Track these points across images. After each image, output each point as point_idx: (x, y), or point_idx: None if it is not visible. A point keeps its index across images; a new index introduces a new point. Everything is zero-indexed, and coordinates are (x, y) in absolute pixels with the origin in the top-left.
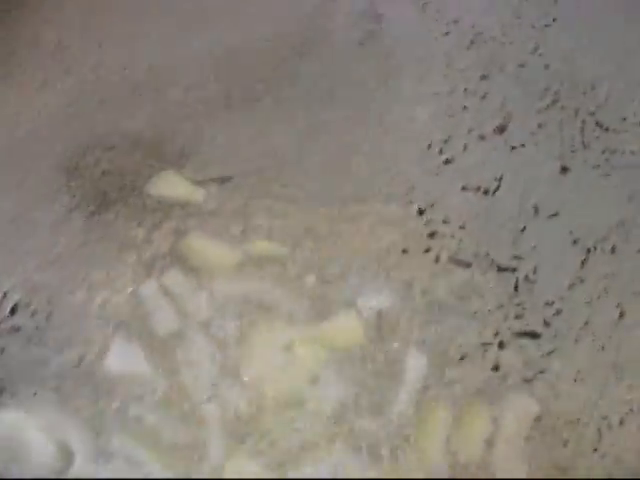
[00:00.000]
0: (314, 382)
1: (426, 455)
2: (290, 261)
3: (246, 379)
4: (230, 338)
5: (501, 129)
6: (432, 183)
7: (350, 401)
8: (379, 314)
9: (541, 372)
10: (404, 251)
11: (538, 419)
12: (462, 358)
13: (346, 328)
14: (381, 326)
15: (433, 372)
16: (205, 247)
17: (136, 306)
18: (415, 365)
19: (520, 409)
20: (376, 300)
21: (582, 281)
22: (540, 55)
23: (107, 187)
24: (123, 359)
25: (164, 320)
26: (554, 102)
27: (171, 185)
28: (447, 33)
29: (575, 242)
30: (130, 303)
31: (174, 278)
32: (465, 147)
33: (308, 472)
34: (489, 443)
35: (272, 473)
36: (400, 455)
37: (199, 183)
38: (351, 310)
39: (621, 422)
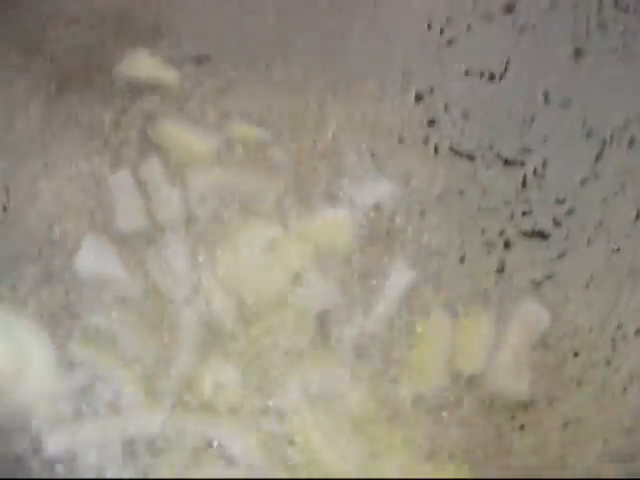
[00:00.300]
0: (297, 283)
1: (424, 367)
2: (274, 149)
3: (224, 281)
4: (208, 236)
5: (509, 8)
6: (432, 66)
7: (336, 304)
8: (371, 210)
9: (550, 276)
10: (400, 140)
11: (546, 327)
12: (462, 259)
13: (334, 225)
14: (374, 224)
15: (430, 274)
16: (179, 133)
17: (104, 199)
18: (405, 270)
19: (527, 315)
20: (369, 194)
21: (596, 177)
22: None
23: (70, 66)
24: (93, 260)
25: (135, 216)
26: None
27: (142, 65)
28: None
29: (589, 134)
30: (97, 196)
31: (145, 168)
32: (469, 27)
33: (292, 378)
34: (492, 353)
35: (252, 379)
36: (392, 365)
37: (173, 63)
38: (340, 205)
39: (637, 332)
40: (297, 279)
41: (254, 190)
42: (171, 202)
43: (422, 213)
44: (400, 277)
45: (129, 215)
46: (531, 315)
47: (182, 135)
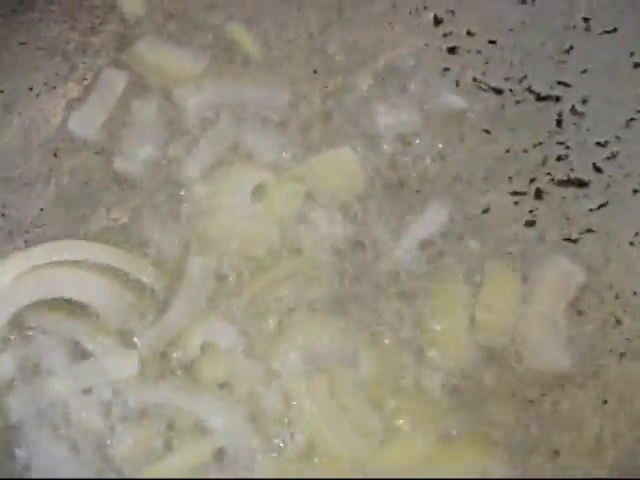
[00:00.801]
0: (307, 227)
1: (443, 336)
2: (273, 63)
3: (214, 235)
4: (197, 178)
5: None
6: None
7: (346, 247)
8: (391, 142)
9: (588, 231)
10: (415, 70)
11: (583, 290)
12: (486, 210)
13: (343, 165)
14: (389, 162)
15: (450, 227)
16: (159, 55)
17: (71, 140)
18: (434, 215)
19: (560, 277)
20: (386, 122)
21: None
22: None
23: None
24: None
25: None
26: None
27: None
28: None
29: (636, 65)
30: (61, 134)
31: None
32: None
33: (296, 342)
34: (520, 321)
35: (248, 339)
36: (411, 331)
37: None
38: (352, 138)
39: None
40: (306, 222)
41: (251, 112)
42: (153, 132)
43: (441, 155)
44: (419, 227)
45: None
46: (565, 277)
47: (162, 56)
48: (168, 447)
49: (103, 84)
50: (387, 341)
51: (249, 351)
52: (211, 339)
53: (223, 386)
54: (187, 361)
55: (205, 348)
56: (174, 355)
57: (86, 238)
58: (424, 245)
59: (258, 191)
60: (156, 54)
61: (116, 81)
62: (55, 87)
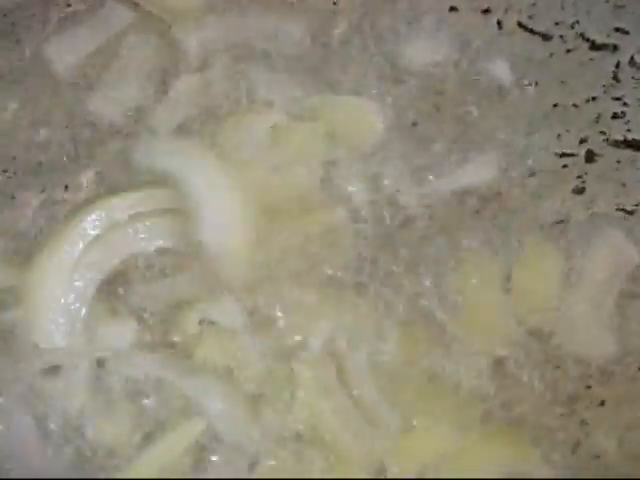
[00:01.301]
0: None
1: (477, 315)
2: None
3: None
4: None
5: None
6: None
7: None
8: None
9: None
10: (453, 8)
11: (637, 270)
12: (531, 174)
13: (363, 115)
14: (420, 108)
15: (486, 189)
16: None
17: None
18: (469, 171)
19: (611, 254)
20: (416, 59)
21: None
22: None
23: None
24: None
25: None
26: None
27: None
28: None
29: None
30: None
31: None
32: None
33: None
34: (564, 302)
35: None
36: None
37: None
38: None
39: None
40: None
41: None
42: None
43: (478, 104)
44: (450, 182)
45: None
46: (617, 253)
47: None
48: (161, 427)
49: (100, 17)
50: (409, 321)
51: (254, 332)
52: (212, 317)
53: (222, 368)
54: (184, 338)
55: (205, 326)
56: (172, 329)
57: None
58: (459, 200)
59: (274, 134)
60: None
61: (118, 18)
62: (33, 14)
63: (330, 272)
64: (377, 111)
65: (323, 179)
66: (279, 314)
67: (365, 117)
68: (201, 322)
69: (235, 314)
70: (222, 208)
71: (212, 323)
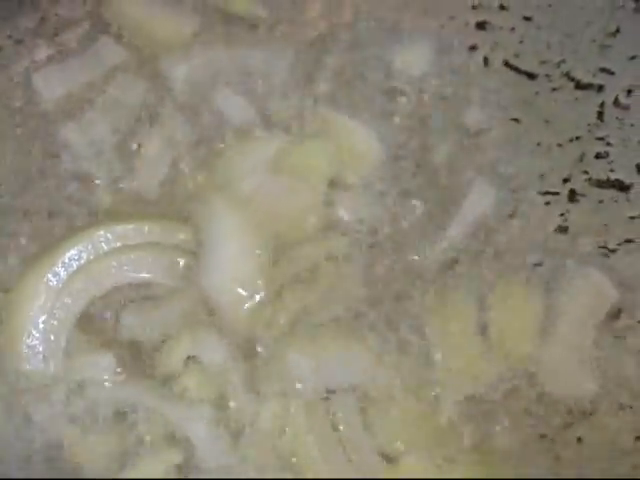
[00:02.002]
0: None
1: (459, 357)
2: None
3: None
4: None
5: None
6: None
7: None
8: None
9: (628, 241)
10: (440, 50)
11: (615, 310)
12: (512, 214)
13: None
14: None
15: (470, 229)
16: (144, 12)
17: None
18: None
19: (591, 293)
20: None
21: None
22: None
23: None
24: None
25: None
26: None
27: None
28: None
29: None
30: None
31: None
32: None
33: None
34: (544, 340)
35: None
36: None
37: None
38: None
39: None
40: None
41: (259, 75)
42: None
43: (461, 144)
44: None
45: None
46: (597, 292)
47: (147, 16)
48: (140, 453)
49: (93, 51)
50: (395, 362)
51: (240, 367)
52: (197, 352)
53: (205, 398)
54: (167, 369)
55: (190, 360)
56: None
57: None
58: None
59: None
60: (139, 11)
61: (111, 54)
62: (21, 41)
63: (323, 311)
64: (372, 137)
65: (326, 203)
66: (266, 350)
67: (362, 142)
68: (187, 357)
69: (221, 350)
70: (222, 246)
71: (196, 358)
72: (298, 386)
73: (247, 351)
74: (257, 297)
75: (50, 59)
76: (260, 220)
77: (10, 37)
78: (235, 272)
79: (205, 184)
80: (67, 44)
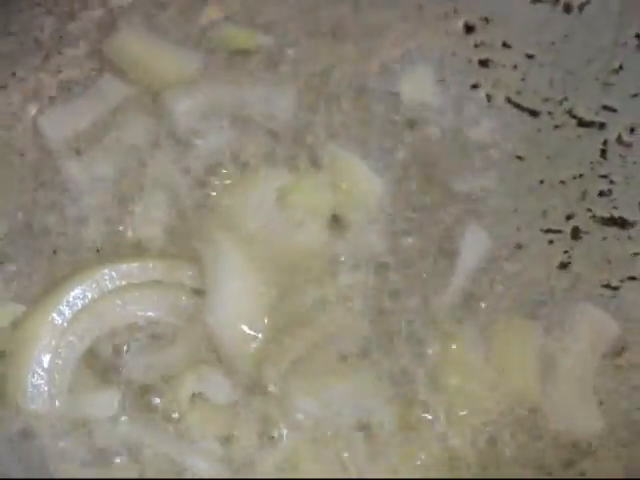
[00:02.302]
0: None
1: (461, 395)
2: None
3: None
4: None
5: None
6: None
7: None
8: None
9: (631, 278)
10: (440, 81)
11: (619, 347)
12: (518, 247)
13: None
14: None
15: (474, 269)
16: (146, 49)
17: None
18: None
19: (593, 330)
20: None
21: None
22: None
23: None
24: None
25: None
26: None
27: None
28: None
29: None
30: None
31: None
32: None
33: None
34: (546, 376)
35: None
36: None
37: None
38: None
39: None
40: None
41: (260, 118)
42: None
43: (464, 179)
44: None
45: None
46: (599, 329)
47: (149, 50)
48: None
49: (97, 90)
50: (401, 401)
51: (246, 404)
52: (203, 390)
53: (210, 435)
54: (171, 407)
55: (195, 399)
56: (159, 400)
57: None
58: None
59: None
60: (142, 48)
61: (114, 91)
62: (24, 79)
63: (329, 349)
64: (374, 172)
65: (330, 240)
66: (272, 388)
67: (364, 178)
68: (192, 395)
69: (226, 387)
70: (227, 283)
71: (202, 395)
72: (304, 423)
73: (252, 389)
74: (262, 335)
75: (53, 100)
76: (265, 258)
77: (14, 75)
78: (240, 310)
79: (209, 222)
80: (71, 81)
